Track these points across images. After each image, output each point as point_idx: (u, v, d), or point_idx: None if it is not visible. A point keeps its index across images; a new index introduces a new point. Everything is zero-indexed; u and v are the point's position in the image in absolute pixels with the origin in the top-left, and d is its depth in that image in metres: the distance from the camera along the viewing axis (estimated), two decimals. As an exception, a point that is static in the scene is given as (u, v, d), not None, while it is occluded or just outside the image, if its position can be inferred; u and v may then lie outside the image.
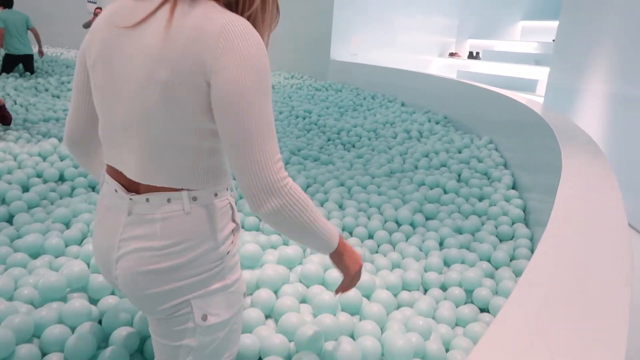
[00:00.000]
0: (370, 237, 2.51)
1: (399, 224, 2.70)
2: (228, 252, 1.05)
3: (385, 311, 1.73)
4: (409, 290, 2.01)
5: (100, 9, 7.59)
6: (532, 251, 2.34)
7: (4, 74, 6.74)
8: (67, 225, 2.38)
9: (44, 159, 3.24)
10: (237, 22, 0.90)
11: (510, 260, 2.30)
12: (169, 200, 0.98)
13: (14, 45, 6.92)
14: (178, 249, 0.98)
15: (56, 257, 1.99)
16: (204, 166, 0.99)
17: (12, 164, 3.03)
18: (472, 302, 1.98)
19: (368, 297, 1.84)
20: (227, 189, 1.08)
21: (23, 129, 4.24)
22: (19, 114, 4.79)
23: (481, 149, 3.93)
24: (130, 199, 1.00)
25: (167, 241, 0.97)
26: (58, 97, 5.98)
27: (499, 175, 3.33)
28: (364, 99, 6.76)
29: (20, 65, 7.14)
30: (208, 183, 1.00)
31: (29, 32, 6.95)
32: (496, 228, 2.63)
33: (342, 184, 3.22)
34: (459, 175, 3.45)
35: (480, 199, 3.04)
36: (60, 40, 11.50)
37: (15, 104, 5.38)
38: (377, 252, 2.39)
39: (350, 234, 2.52)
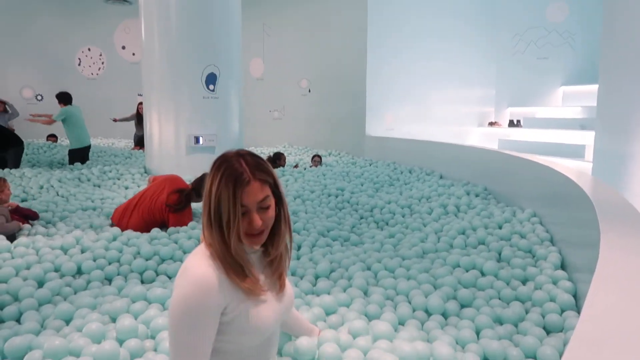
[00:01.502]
0: (396, 329, 2.23)
1: (429, 313, 2.41)
2: None
3: None
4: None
5: (142, 104, 8.04)
6: (586, 346, 1.99)
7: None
8: (68, 322, 2.26)
9: (65, 252, 3.21)
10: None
11: (560, 357, 1.95)
12: None
13: (83, 138, 7.41)
14: None
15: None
16: None
17: (32, 259, 3.01)
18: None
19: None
20: None
21: (59, 220, 4.31)
22: (59, 205, 4.91)
23: (524, 223, 3.61)
24: None
25: None
26: (99, 186, 6.16)
27: (544, 252, 2.99)
28: (401, 173, 6.59)
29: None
30: None
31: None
32: (543, 317, 2.29)
33: (368, 268, 2.98)
34: (499, 254, 3.14)
35: (524, 282, 2.71)
36: (113, 131, 12.17)
37: (58, 194, 5.56)
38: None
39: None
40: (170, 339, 1.24)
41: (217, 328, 1.28)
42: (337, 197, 5.22)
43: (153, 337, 1.95)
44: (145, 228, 3.91)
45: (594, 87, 6.93)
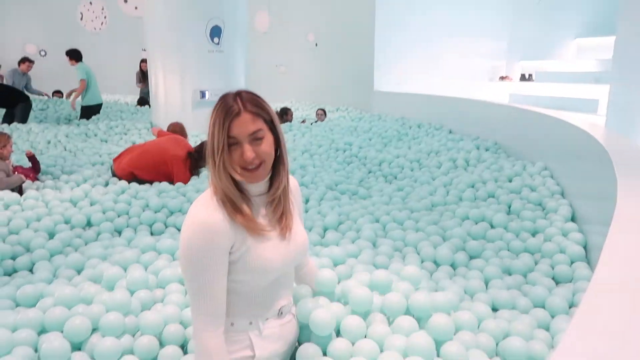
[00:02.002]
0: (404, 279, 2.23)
1: (437, 264, 2.41)
2: None
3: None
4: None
5: (145, 61, 7.91)
6: (596, 296, 1.99)
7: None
8: (79, 272, 2.29)
9: (75, 204, 3.22)
10: (191, 206, 1.35)
11: (570, 308, 1.95)
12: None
13: (97, 94, 7.36)
14: None
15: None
16: (228, 300, 1.35)
17: (42, 211, 3.02)
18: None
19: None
20: (251, 322, 1.41)
21: (65, 174, 4.31)
22: (67, 159, 4.91)
23: (534, 177, 3.56)
24: None
25: None
26: (106, 141, 6.14)
27: (554, 205, 2.96)
28: (409, 128, 6.51)
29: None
30: (228, 314, 1.37)
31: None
32: (552, 268, 2.28)
33: (377, 220, 2.97)
34: (509, 207, 3.11)
35: (533, 234, 2.69)
36: (119, 87, 12.03)
37: (65, 149, 5.56)
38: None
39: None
40: (186, 283, 1.31)
41: (230, 267, 1.32)
42: (345, 151, 5.17)
43: (162, 287, 1.96)
44: (143, 171, 3.99)
45: (610, 39, 6.71)
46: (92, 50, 11.51)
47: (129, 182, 3.82)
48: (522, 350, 1.59)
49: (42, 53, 12.18)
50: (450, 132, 6.03)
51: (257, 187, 1.39)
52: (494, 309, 1.98)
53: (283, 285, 1.50)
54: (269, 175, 1.39)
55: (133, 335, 1.69)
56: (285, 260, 1.43)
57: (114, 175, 4.14)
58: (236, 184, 1.34)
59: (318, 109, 8.00)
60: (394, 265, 2.24)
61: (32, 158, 4.01)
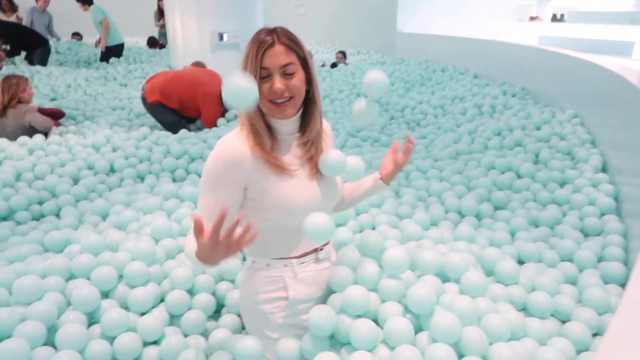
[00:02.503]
0: (427, 228, 2.20)
1: (462, 214, 2.37)
2: (272, 313, 1.43)
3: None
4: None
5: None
6: (626, 250, 1.94)
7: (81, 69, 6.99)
8: (104, 217, 2.32)
9: (97, 150, 3.23)
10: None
11: (598, 262, 1.91)
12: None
13: (117, 34, 7.24)
14: (241, 295, 1.55)
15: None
16: (264, 240, 1.39)
17: (66, 157, 3.03)
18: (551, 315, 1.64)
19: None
20: (286, 265, 1.44)
21: (87, 119, 4.32)
22: (87, 104, 4.90)
23: (564, 125, 3.44)
24: None
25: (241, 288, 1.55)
26: (125, 85, 6.10)
27: (585, 155, 2.87)
28: (433, 72, 6.30)
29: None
30: (259, 254, 1.45)
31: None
32: (581, 220, 2.23)
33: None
34: (537, 156, 3.02)
35: (562, 185, 2.63)
36: (137, 30, 11.81)
37: (85, 94, 5.55)
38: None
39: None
40: (198, 199, 1.36)
41: (250, 204, 1.36)
42: (366, 96, 5.03)
43: (185, 236, 1.97)
44: (169, 98, 3.96)
45: (653, -25, 6.27)
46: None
47: (155, 106, 3.87)
48: (547, 305, 1.57)
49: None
50: (475, 76, 5.83)
51: (286, 126, 1.38)
52: (520, 262, 1.96)
53: None
54: (300, 115, 1.39)
55: (159, 284, 1.71)
56: (314, 202, 1.41)
57: (143, 100, 4.07)
58: (265, 120, 1.35)
59: (338, 52, 7.78)
60: (418, 216, 2.21)
61: (48, 109, 3.98)
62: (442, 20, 8.68)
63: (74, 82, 5.81)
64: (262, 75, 1.28)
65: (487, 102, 4.35)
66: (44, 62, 6.83)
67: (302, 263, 1.46)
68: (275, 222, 1.39)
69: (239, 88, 1.16)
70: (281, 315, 1.43)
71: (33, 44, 6.76)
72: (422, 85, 5.72)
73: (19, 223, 2.50)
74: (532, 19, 9.63)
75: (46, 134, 3.60)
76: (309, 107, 1.40)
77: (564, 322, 1.60)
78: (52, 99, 5.26)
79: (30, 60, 6.73)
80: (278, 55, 1.28)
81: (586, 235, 2.17)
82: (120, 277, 1.68)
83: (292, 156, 1.41)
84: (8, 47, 6.84)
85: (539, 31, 9.25)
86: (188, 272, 1.70)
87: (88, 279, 1.66)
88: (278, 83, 1.28)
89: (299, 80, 1.31)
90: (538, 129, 3.50)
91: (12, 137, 3.40)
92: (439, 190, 2.55)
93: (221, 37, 6.10)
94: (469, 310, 1.34)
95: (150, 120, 4.31)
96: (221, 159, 1.29)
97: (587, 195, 2.39)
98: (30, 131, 3.57)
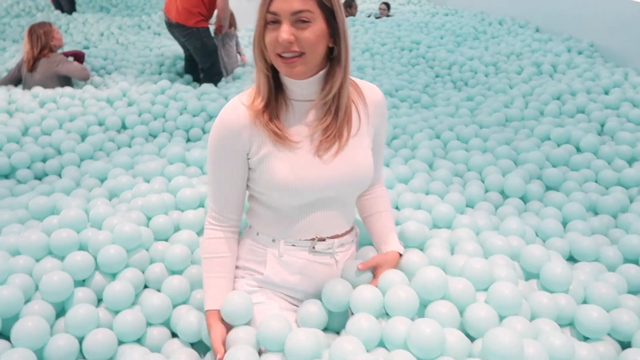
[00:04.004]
0: (462, 212, 1.87)
1: (505, 195, 2.02)
2: (242, 277, 1.30)
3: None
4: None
5: None
6: None
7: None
8: (103, 181, 2.11)
9: (111, 104, 3.03)
10: None
11: (673, 266, 1.54)
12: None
13: None
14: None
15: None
16: (255, 210, 1.30)
17: (77, 111, 2.85)
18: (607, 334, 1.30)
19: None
20: (274, 240, 1.27)
21: (116, 69, 4.14)
22: (117, 53, 4.71)
23: (638, 89, 2.94)
24: None
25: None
26: (159, 34, 5.87)
27: (662, 127, 2.41)
28: (489, 24, 5.70)
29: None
30: (254, 222, 1.31)
31: None
32: (653, 209, 1.84)
33: (437, 136, 2.56)
34: (602, 126, 2.58)
35: (631, 163, 2.21)
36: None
37: (117, 42, 5.37)
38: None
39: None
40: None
41: (249, 175, 1.24)
42: (411, 51, 4.60)
43: (181, 210, 1.73)
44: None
45: None
46: None
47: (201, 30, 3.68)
48: (602, 323, 1.24)
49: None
50: (537, 30, 5.22)
51: (300, 88, 1.16)
52: (571, 260, 1.62)
53: (323, 217, 1.24)
54: (323, 77, 1.15)
55: (143, 272, 1.49)
56: (314, 184, 1.16)
57: (177, 27, 3.77)
58: (276, 79, 1.16)
59: (381, 3, 7.21)
60: (450, 196, 1.87)
61: (69, 52, 3.81)
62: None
63: (107, 30, 5.64)
64: (269, 20, 1.08)
65: (548, 59, 3.83)
66: (73, 5, 6.60)
67: (293, 245, 1.26)
68: (270, 200, 1.23)
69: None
70: (249, 285, 1.28)
71: None
72: (475, 39, 5.17)
73: (19, 182, 2.35)
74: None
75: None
76: (332, 67, 1.14)
77: (623, 346, 1.27)
78: (85, 48, 5.13)
79: (60, 6, 6.52)
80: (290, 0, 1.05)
81: (659, 229, 1.77)
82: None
83: (303, 125, 1.18)
84: None
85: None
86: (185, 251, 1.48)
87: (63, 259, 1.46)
88: (284, 33, 1.05)
89: (313, 33, 1.07)
90: (606, 93, 3.02)
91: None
92: (481, 164, 2.18)
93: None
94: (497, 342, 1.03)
95: (175, 69, 4.11)
96: (219, 127, 1.18)
97: (663, 178, 1.97)
98: (62, 81, 3.43)
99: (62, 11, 6.41)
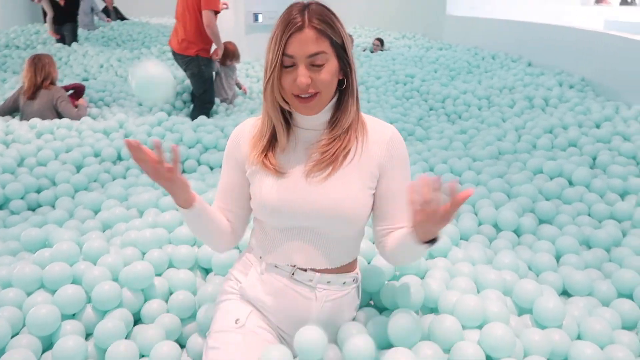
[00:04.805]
0: (456, 244, 1.86)
1: (498, 228, 2.02)
2: (229, 280, 1.33)
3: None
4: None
5: None
6: None
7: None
8: (97, 212, 2.11)
9: (107, 135, 3.05)
10: None
11: (667, 302, 1.53)
12: None
13: None
14: None
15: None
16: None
17: (73, 142, 2.86)
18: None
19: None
20: (261, 257, 1.27)
21: (114, 101, 4.20)
22: (116, 85, 4.78)
23: (629, 122, 2.98)
24: None
25: None
26: (158, 66, 5.96)
27: (653, 160, 2.44)
28: (482, 59, 5.82)
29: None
30: (250, 239, 1.35)
31: None
32: (646, 243, 1.84)
33: (431, 169, 2.58)
34: (594, 160, 2.61)
35: (623, 196, 2.22)
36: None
37: (116, 74, 5.44)
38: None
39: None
40: None
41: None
42: (405, 84, 4.68)
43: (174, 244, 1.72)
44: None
45: None
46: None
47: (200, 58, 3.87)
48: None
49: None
50: (529, 64, 5.33)
51: (310, 120, 1.18)
52: (565, 294, 1.61)
53: (302, 246, 1.21)
54: (330, 106, 1.18)
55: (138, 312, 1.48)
56: (299, 206, 1.16)
57: (174, 53, 4.00)
58: (283, 108, 1.17)
59: (375, 39, 7.36)
60: (443, 228, 1.87)
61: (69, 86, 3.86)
62: (496, 2, 8.06)
63: (107, 62, 5.72)
64: (286, 64, 1.09)
65: (540, 93, 3.90)
66: (75, 38, 6.72)
67: (275, 267, 1.24)
68: (259, 216, 1.26)
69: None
70: (230, 287, 1.30)
71: (63, 19, 6.63)
72: (468, 73, 5.27)
73: (12, 213, 2.35)
74: (598, 1, 8.84)
75: None
76: (342, 98, 1.18)
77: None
78: (84, 79, 5.20)
79: (63, 38, 6.61)
80: (306, 42, 1.07)
81: (653, 263, 1.77)
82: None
83: (303, 149, 1.19)
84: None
85: (605, 15, 8.45)
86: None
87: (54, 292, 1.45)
88: (302, 77, 1.07)
89: (328, 73, 1.10)
90: (597, 126, 3.06)
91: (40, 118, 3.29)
92: (474, 197, 2.19)
93: (256, 18, 5.85)
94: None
95: (171, 101, 4.20)
96: (231, 135, 1.29)
97: (655, 212, 1.98)
98: (60, 113, 3.46)
99: (64, 43, 6.51)
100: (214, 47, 4.09)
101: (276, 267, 1.23)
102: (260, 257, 1.26)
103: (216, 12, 3.94)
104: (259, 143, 1.20)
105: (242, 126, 1.28)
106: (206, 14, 3.88)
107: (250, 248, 1.32)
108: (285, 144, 1.19)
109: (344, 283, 1.25)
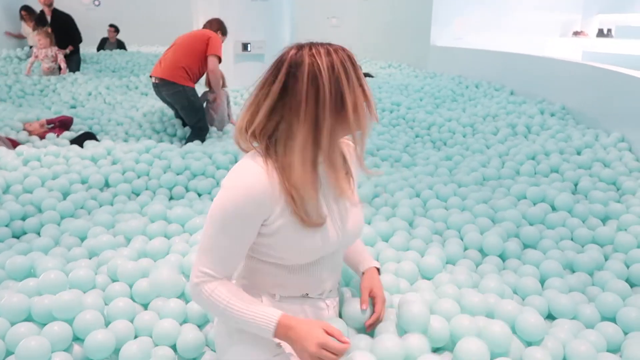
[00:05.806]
0: (444, 267, 1.88)
1: (484, 253, 2.05)
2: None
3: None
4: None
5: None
6: (686, 312, 1.58)
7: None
8: (83, 239, 2.10)
9: (95, 162, 3.05)
10: (241, 160, 1.16)
11: (650, 323, 1.56)
12: None
13: None
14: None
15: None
16: (256, 279, 1.30)
17: (60, 169, 2.85)
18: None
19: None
20: (274, 295, 1.27)
21: (102, 129, 4.21)
22: (104, 113, 4.80)
23: (608, 149, 3.06)
24: None
25: None
26: (146, 94, 5.99)
27: (632, 185, 2.50)
28: (466, 87, 5.95)
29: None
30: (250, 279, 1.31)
31: None
32: (627, 267, 1.87)
33: (417, 195, 2.62)
34: (576, 186, 2.67)
35: (604, 221, 2.27)
36: (159, 38, 11.73)
37: (105, 102, 5.46)
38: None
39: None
40: (205, 233, 1.16)
41: (259, 239, 1.19)
42: (391, 112, 4.75)
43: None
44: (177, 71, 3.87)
45: None
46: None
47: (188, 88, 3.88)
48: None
49: (97, 3, 12.14)
50: (511, 93, 5.45)
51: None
52: (550, 317, 1.63)
53: (330, 265, 1.31)
54: None
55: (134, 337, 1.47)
56: (333, 243, 1.23)
57: (165, 87, 3.91)
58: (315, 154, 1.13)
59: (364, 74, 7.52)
60: (432, 251, 1.91)
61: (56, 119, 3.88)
62: (479, 34, 8.30)
63: (95, 90, 5.74)
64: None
65: (522, 121, 3.99)
66: (78, 68, 6.87)
67: (288, 297, 1.29)
68: (279, 259, 1.21)
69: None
70: None
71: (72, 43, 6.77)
72: (453, 101, 5.38)
73: (-4, 240, 2.31)
74: (576, 33, 9.14)
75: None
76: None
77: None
78: (72, 107, 5.21)
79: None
80: None
81: (633, 285, 1.81)
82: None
83: (324, 194, 1.22)
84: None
85: (583, 47, 8.74)
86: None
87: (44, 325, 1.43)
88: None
89: None
90: (578, 153, 3.14)
91: None
92: (459, 222, 2.22)
93: (246, 47, 5.94)
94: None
95: (160, 128, 4.20)
96: (246, 195, 1.09)
97: (636, 236, 2.03)
98: None
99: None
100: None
101: (288, 297, 1.28)
102: (274, 295, 1.26)
103: (219, 59, 3.98)
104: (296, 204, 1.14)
105: (257, 184, 1.10)
106: (212, 60, 3.92)
107: (249, 288, 1.27)
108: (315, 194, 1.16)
109: (338, 288, 1.42)
